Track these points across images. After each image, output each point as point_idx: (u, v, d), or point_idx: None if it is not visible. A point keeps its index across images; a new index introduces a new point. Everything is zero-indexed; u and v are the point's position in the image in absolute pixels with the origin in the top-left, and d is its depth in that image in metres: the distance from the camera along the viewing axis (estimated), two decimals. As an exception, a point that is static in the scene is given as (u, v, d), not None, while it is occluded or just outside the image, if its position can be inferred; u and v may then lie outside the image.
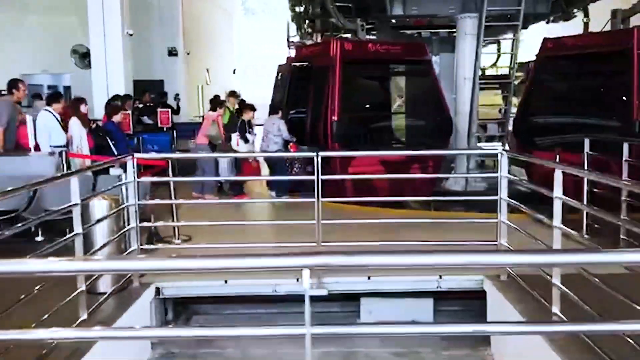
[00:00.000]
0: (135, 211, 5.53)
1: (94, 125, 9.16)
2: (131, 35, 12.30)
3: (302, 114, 11.61)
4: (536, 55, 11.98)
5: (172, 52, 17.30)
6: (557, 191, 4.30)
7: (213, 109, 10.43)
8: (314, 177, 5.56)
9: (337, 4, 14.61)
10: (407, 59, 12.21)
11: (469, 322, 5.86)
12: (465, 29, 13.01)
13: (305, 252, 2.28)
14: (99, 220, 4.92)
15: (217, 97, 11.31)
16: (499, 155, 5.50)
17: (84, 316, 4.42)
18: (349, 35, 12.88)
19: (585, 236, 6.42)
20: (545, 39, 11.97)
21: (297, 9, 13.01)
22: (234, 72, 28.05)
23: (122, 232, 5.35)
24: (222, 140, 10.07)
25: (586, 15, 14.49)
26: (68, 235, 4.37)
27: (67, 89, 17.19)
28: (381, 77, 12.44)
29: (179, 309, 6.42)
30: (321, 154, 5.52)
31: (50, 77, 17.99)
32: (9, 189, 3.74)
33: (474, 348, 5.67)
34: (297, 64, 13.05)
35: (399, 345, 5.67)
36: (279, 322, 6.26)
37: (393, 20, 14.66)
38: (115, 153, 7.87)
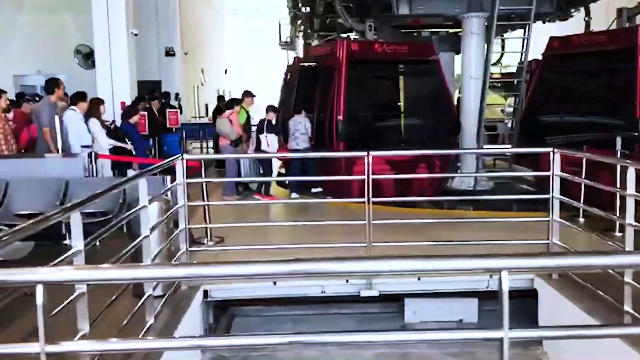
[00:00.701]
0: (185, 213, 5.42)
1: (112, 126, 8.99)
2: (136, 35, 12.10)
3: (309, 113, 11.47)
4: (542, 54, 12.07)
5: (170, 52, 17.12)
6: (630, 189, 4.30)
7: (229, 107, 10.53)
8: (364, 177, 5.48)
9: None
10: (415, 59, 12.23)
11: (527, 325, 5.87)
12: (471, 28, 13.04)
13: (502, 253, 2.22)
14: (158, 224, 4.77)
15: (233, 99, 11.45)
16: (551, 153, 5.49)
17: (151, 320, 4.31)
18: (352, 35, 12.80)
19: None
20: (551, 38, 12.08)
21: (303, 9, 12.93)
22: (225, 72, 27.91)
23: (174, 235, 5.23)
24: (240, 137, 10.15)
25: (587, 14, 14.67)
26: (137, 241, 4.24)
27: (62, 89, 16.86)
28: (388, 77, 12.47)
29: (218, 312, 6.31)
30: (373, 153, 5.44)
31: (44, 77, 17.60)
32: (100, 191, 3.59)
33: (525, 347, 5.66)
34: (305, 64, 13.15)
35: (452, 346, 5.63)
36: (325, 324, 6.20)
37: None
38: (134, 154, 7.75)
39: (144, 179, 4.31)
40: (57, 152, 7.65)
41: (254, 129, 10.77)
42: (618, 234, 7.06)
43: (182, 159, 5.40)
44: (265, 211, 9.29)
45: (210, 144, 14.77)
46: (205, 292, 5.61)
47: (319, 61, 12.37)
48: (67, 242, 6.95)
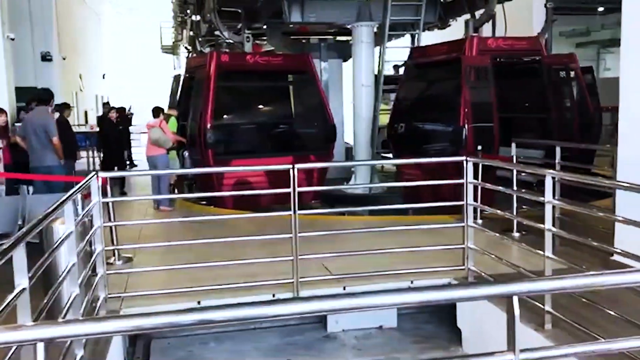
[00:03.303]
0: (101, 234, 5.09)
1: (12, 140, 8.27)
2: (13, 39, 11.24)
3: (184, 121, 12.09)
4: (404, 63, 12.70)
5: (47, 57, 16.01)
6: (548, 196, 4.59)
7: (155, 116, 10.56)
8: (290, 190, 5.44)
9: (227, 8, 14.48)
10: (289, 70, 12.52)
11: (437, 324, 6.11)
12: (361, 36, 13.45)
13: (515, 279, 2.26)
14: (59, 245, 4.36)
15: (158, 107, 11.19)
16: (464, 162, 5.74)
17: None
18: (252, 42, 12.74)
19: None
20: (412, 48, 12.78)
21: (193, 17, 12.77)
22: (103, 77, 26.61)
23: (93, 257, 4.89)
24: (175, 144, 10.46)
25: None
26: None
27: None
28: (259, 88, 12.74)
29: (134, 335, 5.99)
30: (297, 166, 5.41)
31: None
32: None
33: (447, 349, 5.89)
34: (187, 74, 13.54)
35: (377, 353, 5.74)
36: (248, 340, 6.08)
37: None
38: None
39: (69, 203, 3.98)
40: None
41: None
42: (515, 234, 7.59)
43: (97, 176, 5.07)
44: (181, 226, 8.86)
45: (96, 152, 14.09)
46: (125, 317, 5.29)
47: (195, 72, 12.61)
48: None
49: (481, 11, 12.59)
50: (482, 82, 10.18)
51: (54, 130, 8.38)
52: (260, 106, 12.70)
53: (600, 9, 26.41)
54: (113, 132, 13.39)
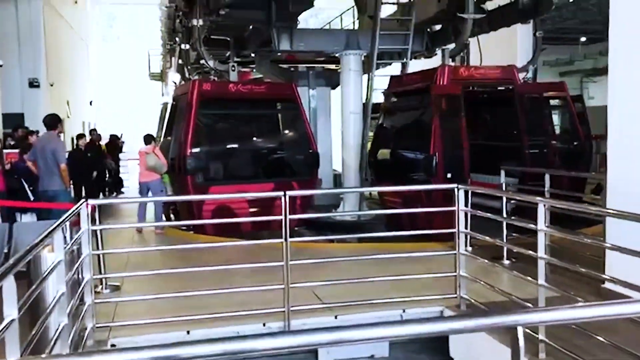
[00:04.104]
0: (90, 262, 5.02)
1: (8, 165, 8.18)
2: (0, 66, 11.21)
3: (169, 147, 12.19)
4: (383, 92, 12.84)
5: (34, 84, 15.96)
6: (541, 224, 4.59)
7: (147, 143, 10.71)
8: (282, 217, 5.41)
9: (217, 37, 14.56)
10: (272, 98, 12.60)
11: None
12: (349, 65, 13.58)
13: (519, 310, 2.23)
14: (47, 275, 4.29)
15: (149, 135, 11.40)
16: (456, 189, 5.75)
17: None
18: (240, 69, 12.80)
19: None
20: (391, 77, 12.95)
21: (183, 45, 12.89)
22: (90, 104, 26.53)
23: (82, 286, 4.81)
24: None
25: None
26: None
27: None
28: (241, 115, 12.78)
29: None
30: (289, 193, 5.39)
31: None
32: None
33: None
34: (173, 101, 13.69)
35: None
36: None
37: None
38: (32, 198, 7.08)
39: (58, 231, 3.92)
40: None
41: None
42: (506, 261, 7.60)
43: (87, 204, 5.01)
44: (170, 252, 8.77)
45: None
46: (113, 346, 5.20)
47: (179, 99, 12.73)
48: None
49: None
50: (453, 111, 10.32)
51: (62, 156, 8.43)
52: (242, 133, 12.73)
53: (583, 39, 26.99)
54: (82, 159, 13.34)
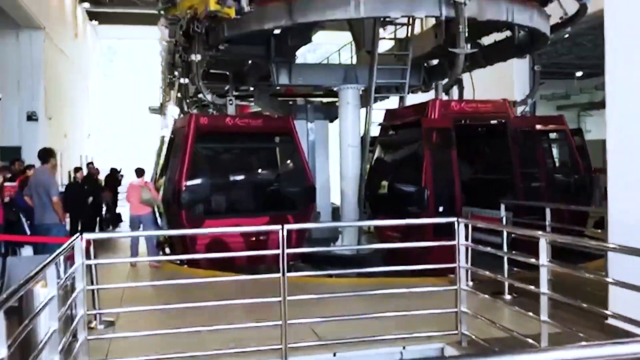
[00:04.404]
0: (84, 297, 4.92)
1: (7, 199, 8.13)
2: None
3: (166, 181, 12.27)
4: (379, 124, 12.88)
5: (32, 117, 15.99)
6: (543, 259, 4.53)
7: (139, 176, 10.78)
8: (279, 251, 5.33)
9: (216, 71, 14.66)
10: (269, 132, 12.54)
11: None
12: (347, 98, 13.62)
13: (521, 350, 2.16)
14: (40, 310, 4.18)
15: (140, 168, 11.52)
16: (456, 223, 5.68)
17: None
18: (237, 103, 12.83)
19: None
20: (387, 110, 13.00)
21: (182, 80, 12.94)
22: (88, 137, 26.59)
23: (75, 322, 4.70)
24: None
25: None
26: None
27: None
28: (238, 149, 12.77)
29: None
30: (287, 226, 5.32)
31: None
32: None
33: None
34: (171, 135, 13.67)
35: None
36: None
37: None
38: (28, 232, 7.01)
39: (51, 266, 3.84)
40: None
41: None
42: (507, 296, 7.48)
43: (82, 238, 4.94)
44: (166, 287, 8.63)
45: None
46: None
47: (177, 133, 12.73)
48: None
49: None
50: (444, 144, 10.33)
51: (54, 190, 8.40)
52: (238, 167, 12.67)
53: (579, 74, 27.25)
54: (79, 192, 13.31)
